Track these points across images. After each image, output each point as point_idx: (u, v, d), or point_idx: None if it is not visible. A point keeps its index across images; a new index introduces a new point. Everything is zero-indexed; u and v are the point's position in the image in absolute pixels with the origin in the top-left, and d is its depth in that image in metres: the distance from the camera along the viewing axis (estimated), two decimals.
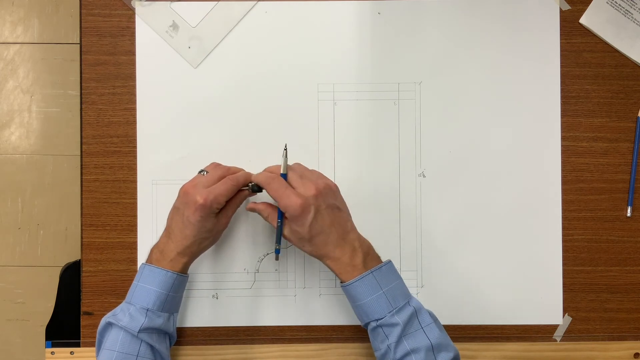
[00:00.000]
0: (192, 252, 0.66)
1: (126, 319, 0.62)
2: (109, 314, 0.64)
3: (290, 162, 0.67)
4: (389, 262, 0.64)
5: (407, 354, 0.59)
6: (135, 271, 0.74)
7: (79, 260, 0.75)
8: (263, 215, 0.66)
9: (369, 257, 0.63)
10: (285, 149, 0.66)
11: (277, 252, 0.68)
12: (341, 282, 0.63)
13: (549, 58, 0.76)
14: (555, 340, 0.75)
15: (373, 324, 0.62)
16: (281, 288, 0.75)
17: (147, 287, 0.64)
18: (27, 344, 1.29)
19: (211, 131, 0.75)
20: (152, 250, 0.67)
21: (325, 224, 0.62)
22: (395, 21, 0.76)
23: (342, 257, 0.62)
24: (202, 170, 0.68)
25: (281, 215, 0.64)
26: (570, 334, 0.75)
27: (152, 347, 0.63)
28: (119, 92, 0.75)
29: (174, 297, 0.65)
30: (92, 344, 0.74)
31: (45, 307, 1.27)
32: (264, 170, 0.68)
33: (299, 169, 0.66)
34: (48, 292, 1.25)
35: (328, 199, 0.63)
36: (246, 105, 0.75)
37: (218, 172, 0.67)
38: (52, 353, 0.74)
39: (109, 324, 0.63)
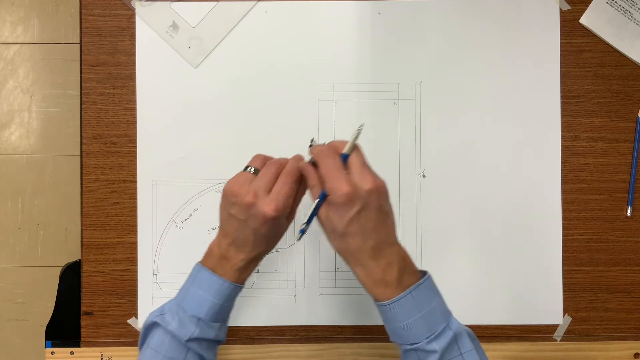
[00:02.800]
0: (262, 257, 0.60)
1: (175, 323, 0.56)
2: (156, 311, 0.58)
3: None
4: (428, 277, 0.54)
5: None
6: (135, 271, 0.74)
7: (79, 260, 0.75)
8: (309, 182, 0.56)
9: (406, 272, 0.54)
10: (361, 128, 0.57)
11: (302, 232, 0.56)
12: (374, 299, 0.55)
13: (549, 58, 0.76)
14: (555, 340, 0.75)
15: (407, 347, 0.53)
16: (281, 288, 0.75)
17: (201, 293, 0.57)
18: (27, 344, 1.29)
19: (211, 131, 0.75)
20: (212, 252, 0.59)
21: (368, 227, 0.53)
22: (395, 21, 0.76)
23: (374, 269, 0.53)
24: (248, 167, 0.59)
25: (323, 197, 0.54)
26: (570, 334, 0.75)
27: (200, 356, 0.57)
28: (119, 92, 0.75)
29: (229, 307, 0.59)
30: (92, 344, 0.74)
31: (45, 307, 1.27)
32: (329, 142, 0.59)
33: (364, 157, 0.57)
34: (48, 292, 1.25)
35: (381, 200, 0.54)
36: (246, 105, 0.75)
37: (272, 170, 0.57)
38: (52, 353, 0.74)
39: (156, 324, 0.57)
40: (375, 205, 0.53)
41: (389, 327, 0.55)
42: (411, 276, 0.54)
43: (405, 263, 0.54)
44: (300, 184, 0.58)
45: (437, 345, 0.52)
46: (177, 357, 0.56)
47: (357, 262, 0.54)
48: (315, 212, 0.55)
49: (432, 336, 0.52)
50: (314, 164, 0.56)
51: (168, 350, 0.56)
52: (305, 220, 0.56)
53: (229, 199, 0.57)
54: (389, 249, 0.54)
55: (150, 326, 0.58)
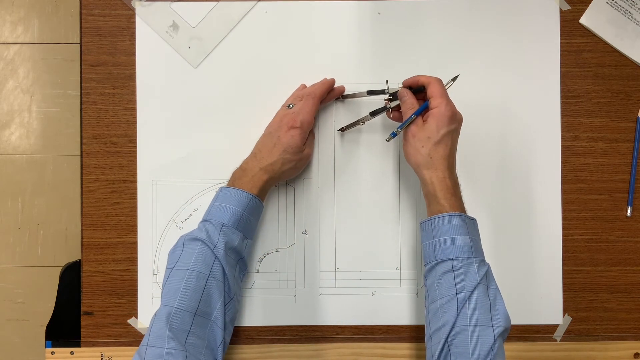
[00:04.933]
0: (274, 171, 0.67)
1: (203, 234, 0.64)
2: (185, 234, 0.65)
3: None
4: (476, 220, 0.64)
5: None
6: (135, 271, 0.74)
7: (79, 260, 0.75)
8: (406, 105, 0.67)
9: (462, 201, 0.64)
10: (456, 76, 0.68)
11: (394, 134, 0.66)
12: (432, 212, 0.63)
13: (549, 58, 0.76)
14: (555, 340, 0.75)
15: (445, 266, 0.60)
16: (281, 288, 0.75)
17: (222, 205, 0.65)
18: (27, 344, 1.29)
19: (211, 131, 0.75)
20: (233, 173, 0.69)
21: (455, 144, 0.65)
22: (395, 21, 0.76)
23: (448, 179, 0.63)
24: (290, 104, 0.70)
25: (422, 109, 0.65)
26: (570, 334, 0.75)
27: (223, 271, 0.63)
28: (119, 92, 0.75)
29: (248, 218, 0.66)
30: (92, 344, 0.74)
31: (45, 307, 1.27)
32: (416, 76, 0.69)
33: None
34: (48, 292, 1.25)
35: (459, 133, 0.66)
36: (246, 105, 0.75)
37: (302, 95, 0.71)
38: (52, 353, 0.74)
39: (185, 242, 0.64)
40: (459, 132, 0.66)
41: (436, 240, 0.62)
42: (465, 208, 0.64)
43: (461, 196, 0.64)
44: (320, 103, 0.71)
45: (478, 271, 0.59)
46: (204, 269, 0.62)
47: (437, 168, 0.63)
48: (410, 121, 0.65)
49: (476, 260, 0.60)
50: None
51: (196, 263, 0.62)
52: (399, 126, 0.66)
53: (273, 123, 0.70)
54: (456, 172, 0.65)
55: (177, 248, 0.64)
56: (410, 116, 0.65)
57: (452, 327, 0.57)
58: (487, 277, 0.60)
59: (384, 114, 0.71)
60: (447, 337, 0.57)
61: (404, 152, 0.67)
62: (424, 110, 0.66)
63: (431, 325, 0.61)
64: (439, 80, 0.66)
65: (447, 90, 0.66)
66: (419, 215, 0.75)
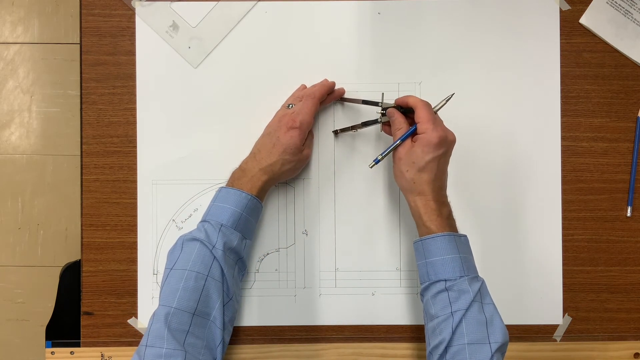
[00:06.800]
0: (273, 172, 0.67)
1: (202, 234, 0.64)
2: (184, 234, 0.65)
3: None
4: (466, 236, 0.64)
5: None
6: (135, 271, 0.74)
7: (79, 260, 0.75)
8: (394, 125, 0.67)
9: (452, 219, 0.64)
10: (451, 95, 0.67)
11: (377, 161, 0.67)
12: (423, 232, 0.63)
13: (549, 58, 0.76)
14: (555, 340, 0.75)
15: (439, 286, 0.61)
16: (281, 288, 0.75)
17: (221, 205, 0.66)
18: (27, 344, 1.29)
19: (211, 131, 0.75)
20: (233, 173, 0.69)
21: (442, 168, 0.64)
22: (395, 21, 0.76)
23: (433, 201, 0.63)
24: (289, 105, 0.71)
25: (408, 135, 0.65)
26: (570, 334, 0.75)
27: (222, 271, 0.63)
28: (119, 92, 0.75)
29: (247, 218, 0.66)
30: (92, 344, 0.74)
31: (45, 307, 1.27)
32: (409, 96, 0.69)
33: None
34: (48, 292, 1.25)
35: (450, 154, 0.65)
36: (246, 105, 0.75)
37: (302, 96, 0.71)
38: (52, 353, 0.74)
39: (184, 243, 0.64)
40: (450, 153, 0.65)
41: (428, 261, 0.62)
42: (455, 225, 0.64)
43: (450, 214, 0.64)
44: (320, 104, 0.71)
45: (471, 288, 0.60)
46: (203, 270, 0.62)
47: (421, 192, 0.63)
48: (396, 146, 0.65)
49: (468, 278, 0.60)
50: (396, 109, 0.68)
51: (195, 263, 0.62)
52: (383, 152, 0.66)
53: (273, 123, 0.70)
54: (445, 192, 0.65)
55: (176, 248, 0.64)
56: (394, 143, 0.66)
57: (449, 345, 0.58)
58: (481, 294, 0.61)
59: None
60: (445, 354, 0.58)
61: (393, 172, 0.67)
62: (414, 132, 0.65)
63: (430, 343, 0.61)
64: (427, 105, 0.65)
65: (445, 106, 0.66)
66: None
